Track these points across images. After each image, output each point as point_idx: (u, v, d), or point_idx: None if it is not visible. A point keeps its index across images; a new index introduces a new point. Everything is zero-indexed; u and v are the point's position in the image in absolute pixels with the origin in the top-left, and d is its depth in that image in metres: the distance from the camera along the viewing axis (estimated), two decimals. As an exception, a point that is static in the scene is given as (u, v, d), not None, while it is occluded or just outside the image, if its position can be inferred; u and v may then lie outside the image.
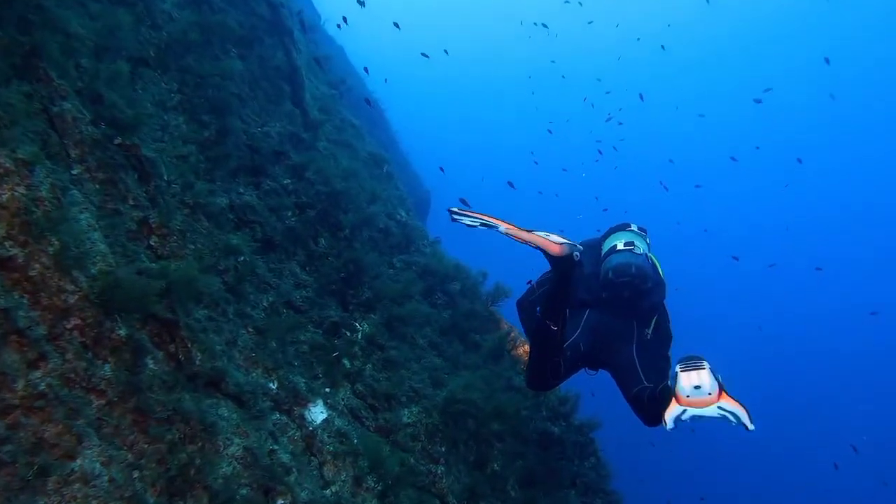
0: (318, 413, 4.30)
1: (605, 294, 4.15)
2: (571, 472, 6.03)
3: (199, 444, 3.31)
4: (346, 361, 4.79)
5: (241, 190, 5.35)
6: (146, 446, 3.03)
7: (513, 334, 7.29)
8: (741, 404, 3.16)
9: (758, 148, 31.60)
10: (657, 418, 3.40)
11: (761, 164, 46.48)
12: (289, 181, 5.84)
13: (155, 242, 3.88)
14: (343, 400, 4.50)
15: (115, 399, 3.02)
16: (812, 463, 32.77)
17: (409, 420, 4.66)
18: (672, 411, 3.22)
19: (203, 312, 3.93)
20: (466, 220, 3.76)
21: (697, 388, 3.14)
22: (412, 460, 4.45)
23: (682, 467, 27.62)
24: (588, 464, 6.36)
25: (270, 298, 4.66)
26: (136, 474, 2.92)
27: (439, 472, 4.50)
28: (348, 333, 5.06)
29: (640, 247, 4.23)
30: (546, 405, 6.62)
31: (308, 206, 5.74)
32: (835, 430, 35.26)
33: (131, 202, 3.83)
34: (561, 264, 3.63)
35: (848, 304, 43.28)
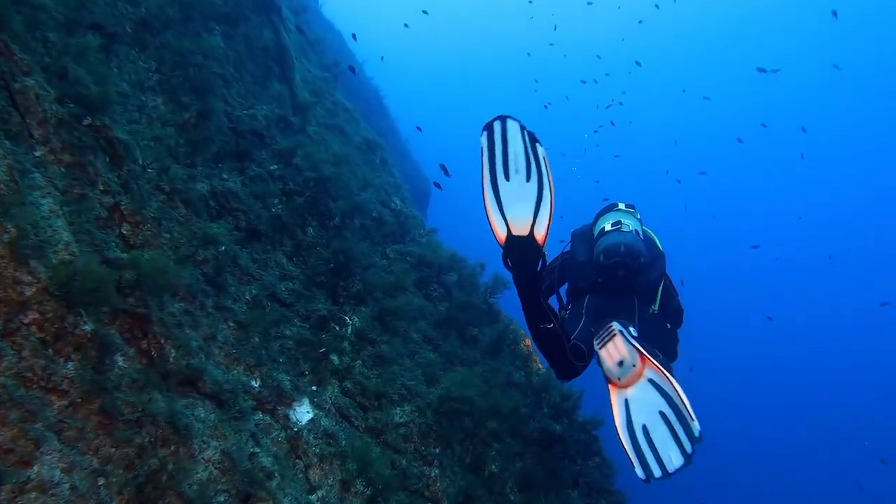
0: (303, 413, 4.13)
1: (601, 279, 4.16)
2: (574, 472, 5.88)
3: (172, 447, 3.14)
4: (334, 357, 4.62)
5: (225, 176, 5.17)
6: (113, 451, 2.86)
7: (512, 327, 7.13)
8: (669, 376, 3.07)
9: (764, 125, 31.28)
10: None
11: (768, 147, 46.05)
12: (275, 167, 5.65)
13: (127, 231, 3.70)
14: (331, 398, 4.34)
15: (79, 400, 2.85)
16: (823, 466, 32.70)
17: (401, 419, 4.50)
18: (617, 404, 3.21)
19: (179, 306, 3.76)
20: None
21: (621, 364, 3.16)
22: (404, 462, 4.29)
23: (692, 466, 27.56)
24: (592, 463, 6.21)
25: (254, 291, 4.48)
26: (101, 481, 2.75)
27: (433, 474, 4.34)
28: (337, 328, 4.89)
29: (629, 224, 4.24)
30: (548, 402, 6.46)
31: (296, 193, 5.56)
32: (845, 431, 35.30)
33: (101, 187, 3.65)
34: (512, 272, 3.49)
35: (859, 294, 43.13)
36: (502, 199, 3.30)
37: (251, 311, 4.34)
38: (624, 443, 3.20)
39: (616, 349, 3.19)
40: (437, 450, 4.51)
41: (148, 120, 4.65)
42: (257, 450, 3.65)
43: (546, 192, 3.29)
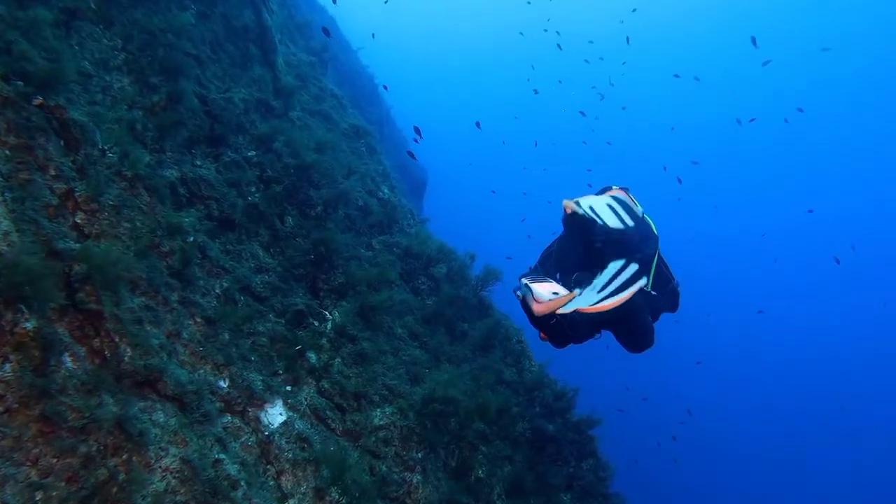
0: (276, 415, 3.91)
1: (593, 259, 4.27)
2: (567, 475, 5.67)
3: (125, 456, 2.91)
4: (311, 355, 4.39)
5: (198, 162, 4.92)
6: (54, 461, 2.63)
7: (504, 322, 6.90)
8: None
9: (752, 120, 30.93)
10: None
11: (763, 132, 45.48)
12: (253, 153, 5.40)
13: (81, 219, 3.46)
14: (306, 399, 4.11)
15: (16, 405, 2.62)
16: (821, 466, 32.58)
17: (382, 422, 4.27)
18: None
19: (139, 301, 3.52)
20: None
21: (556, 293, 3.73)
22: (384, 468, 4.07)
23: (692, 466, 27.31)
24: (586, 465, 6.00)
25: (225, 284, 4.24)
26: (38, 496, 2.53)
27: (415, 481, 4.12)
28: (316, 323, 4.66)
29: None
30: (540, 401, 6.24)
31: (274, 181, 5.31)
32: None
33: (53, 172, 3.40)
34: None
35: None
36: None
37: (221, 305, 4.11)
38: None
39: (549, 286, 3.80)
40: (420, 454, 4.28)
41: (112, 101, 4.40)
42: (223, 456, 3.42)
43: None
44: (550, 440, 5.75)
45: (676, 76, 28.75)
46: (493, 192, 33.18)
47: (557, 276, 4.65)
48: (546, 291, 3.77)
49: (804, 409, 36.98)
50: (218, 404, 3.69)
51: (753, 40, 18.83)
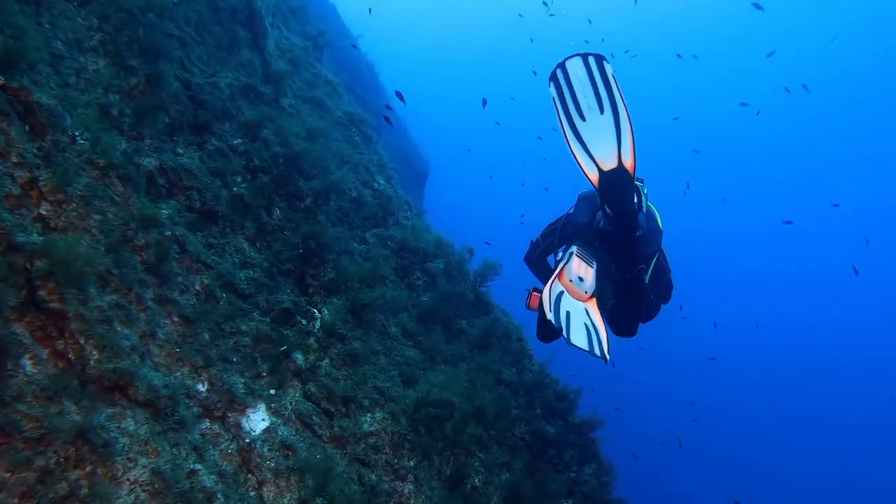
0: (258, 421, 3.71)
1: (598, 242, 4.22)
2: (568, 480, 5.48)
3: (88, 468, 2.71)
4: (297, 356, 4.19)
5: (180, 150, 4.70)
6: (7, 476, 2.44)
7: (503, 319, 6.69)
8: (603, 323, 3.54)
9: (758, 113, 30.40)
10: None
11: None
12: (239, 141, 5.18)
13: (46, 211, 3.25)
14: (291, 404, 3.91)
15: (-35, 415, 2.42)
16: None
17: (371, 428, 4.07)
18: (552, 288, 3.56)
19: (109, 299, 3.31)
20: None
21: (581, 280, 3.61)
22: (373, 477, 3.88)
23: (700, 471, 27.11)
24: (588, 469, 5.81)
25: (205, 280, 4.03)
26: (-12, 515, 2.33)
27: (406, 490, 3.92)
28: (303, 322, 4.45)
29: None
30: (541, 402, 6.04)
31: (261, 171, 5.09)
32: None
33: (14, 159, 3.19)
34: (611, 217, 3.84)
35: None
36: (585, 140, 3.49)
37: (201, 303, 3.90)
38: (546, 304, 3.53)
39: (586, 272, 3.63)
40: (412, 462, 4.08)
41: (87, 84, 4.17)
42: (198, 466, 3.22)
43: (623, 119, 3.45)
44: (551, 444, 5.56)
45: (679, 56, 28.29)
46: (491, 177, 32.83)
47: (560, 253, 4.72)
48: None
49: (821, 410, 36.61)
50: (195, 410, 3.49)
51: (757, 5, 18.49)
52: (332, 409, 4.04)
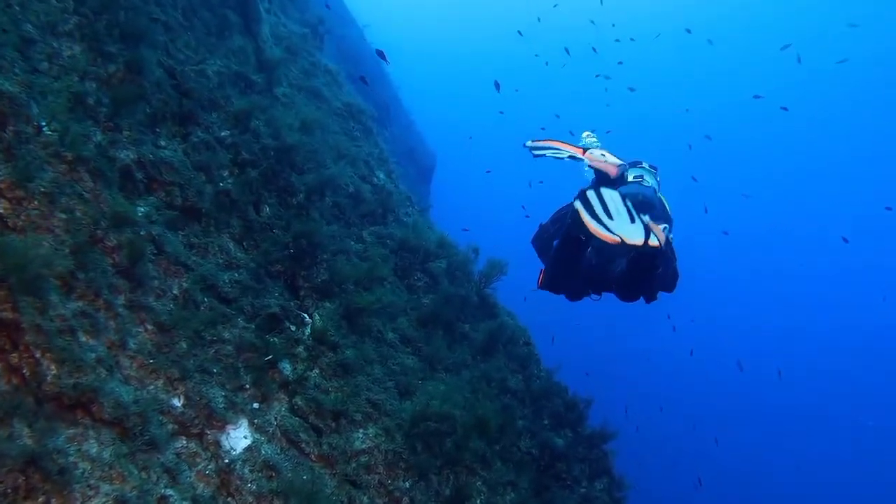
0: (239, 438, 3.46)
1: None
2: (578, 497, 5.22)
3: (40, 499, 2.47)
4: (285, 365, 3.94)
5: (162, 143, 4.44)
6: (-57, 511, 2.19)
7: (510, 322, 6.42)
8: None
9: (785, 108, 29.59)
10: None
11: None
12: (227, 132, 4.92)
13: (5, 209, 3.00)
14: (276, 419, 3.66)
15: None
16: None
17: (364, 445, 3.81)
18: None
19: (74, 306, 3.06)
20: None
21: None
22: (365, 499, 3.62)
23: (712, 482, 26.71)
24: (600, 484, 5.55)
25: (185, 284, 3.78)
26: (-82, 557, 2.09)
27: (401, 514, 3.67)
28: (292, 328, 4.19)
29: (649, 181, 4.62)
30: (549, 412, 5.78)
31: (250, 165, 4.83)
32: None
33: (-32, 153, 2.94)
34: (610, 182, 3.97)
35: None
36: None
37: (179, 309, 3.65)
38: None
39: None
40: (408, 483, 3.82)
41: (60, 71, 3.92)
42: (170, 492, 2.98)
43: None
44: (559, 457, 5.29)
45: (688, 31, 27.69)
46: (488, 171, 32.38)
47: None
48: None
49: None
50: (170, 427, 3.24)
51: None
52: (321, 425, 3.78)
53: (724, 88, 47.86)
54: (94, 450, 2.78)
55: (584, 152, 4.10)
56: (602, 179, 4.00)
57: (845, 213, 44.26)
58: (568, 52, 23.01)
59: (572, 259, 4.03)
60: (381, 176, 6.93)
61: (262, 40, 6.40)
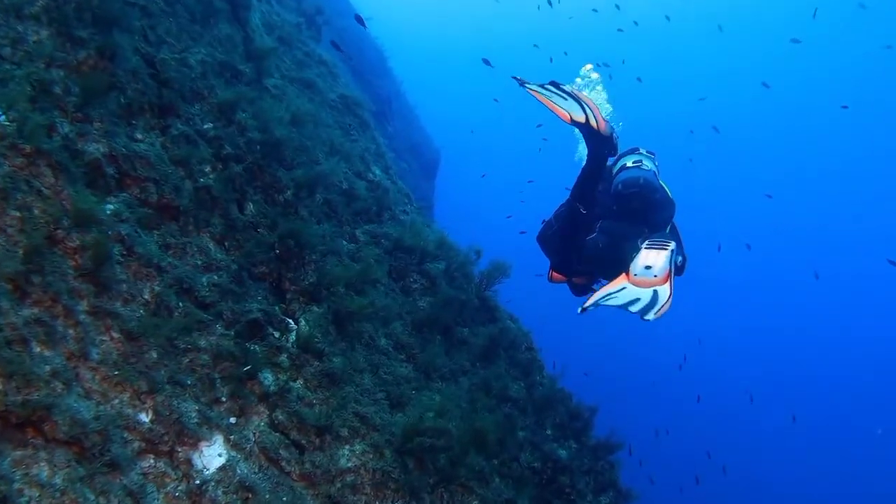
0: (213, 456, 3.22)
1: (616, 207, 4.50)
2: (582, 512, 4.95)
3: (-24, 532, 2.22)
4: (266, 376, 3.69)
5: (139, 135, 4.19)
6: None
7: (512, 327, 6.16)
8: (671, 291, 3.62)
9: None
10: None
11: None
12: (210, 125, 4.67)
13: (-50, 207, 2.75)
14: (254, 435, 3.41)
15: None
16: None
17: (350, 463, 3.56)
18: (612, 287, 3.75)
19: (28, 313, 2.82)
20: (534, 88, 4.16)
21: (648, 268, 3.60)
22: (350, 523, 3.36)
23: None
24: (605, 499, 5.29)
25: (157, 287, 3.53)
26: None
27: (389, 539, 3.41)
28: (276, 335, 3.94)
29: (648, 165, 4.67)
30: (552, 421, 5.52)
31: (234, 159, 4.58)
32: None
33: None
34: (602, 141, 4.20)
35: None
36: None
37: (150, 315, 3.39)
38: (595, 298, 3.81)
39: (656, 258, 3.60)
40: (398, 504, 3.56)
41: (24, 57, 3.67)
42: (131, 518, 2.73)
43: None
44: (562, 470, 5.04)
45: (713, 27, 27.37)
46: (483, 175, 32.20)
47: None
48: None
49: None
50: (136, 445, 3.00)
51: None
52: (304, 441, 3.53)
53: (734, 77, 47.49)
54: (45, 474, 2.54)
55: (571, 121, 4.20)
56: (600, 141, 4.22)
57: (861, 214, 43.86)
58: (566, 54, 22.70)
59: (574, 229, 4.39)
60: (378, 172, 6.67)
61: (251, 29, 6.14)
